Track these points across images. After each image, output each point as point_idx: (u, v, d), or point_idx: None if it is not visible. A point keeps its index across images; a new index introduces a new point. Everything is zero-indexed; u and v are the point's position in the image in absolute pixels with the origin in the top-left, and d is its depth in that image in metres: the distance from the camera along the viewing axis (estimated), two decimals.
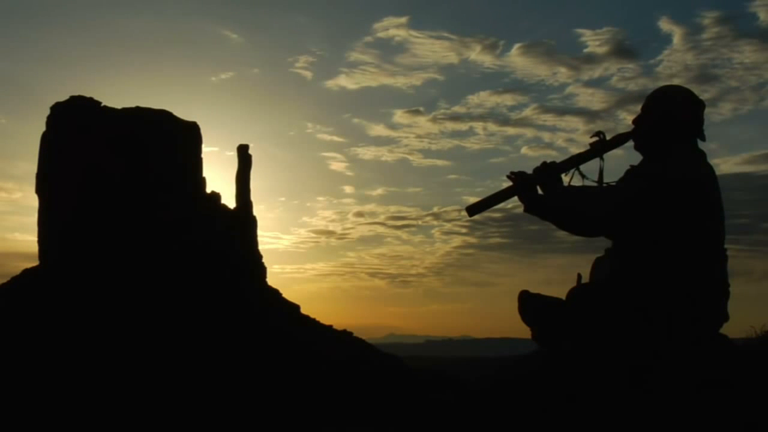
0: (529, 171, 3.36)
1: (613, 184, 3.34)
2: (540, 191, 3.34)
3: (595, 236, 3.28)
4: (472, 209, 3.39)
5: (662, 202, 3.09)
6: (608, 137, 3.40)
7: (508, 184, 3.37)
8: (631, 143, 3.39)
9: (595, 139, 3.40)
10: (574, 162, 3.39)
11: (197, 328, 51.35)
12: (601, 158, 3.38)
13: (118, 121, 60.18)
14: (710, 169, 3.23)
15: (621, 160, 3.59)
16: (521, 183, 3.32)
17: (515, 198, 3.37)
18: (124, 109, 61.89)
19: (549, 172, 3.34)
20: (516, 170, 3.36)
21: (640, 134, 3.35)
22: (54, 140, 59.56)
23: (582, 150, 3.42)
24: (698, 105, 3.31)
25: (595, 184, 3.37)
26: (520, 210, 3.37)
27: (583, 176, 3.38)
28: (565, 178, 3.37)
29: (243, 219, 65.83)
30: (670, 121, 3.27)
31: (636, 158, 3.39)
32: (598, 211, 3.18)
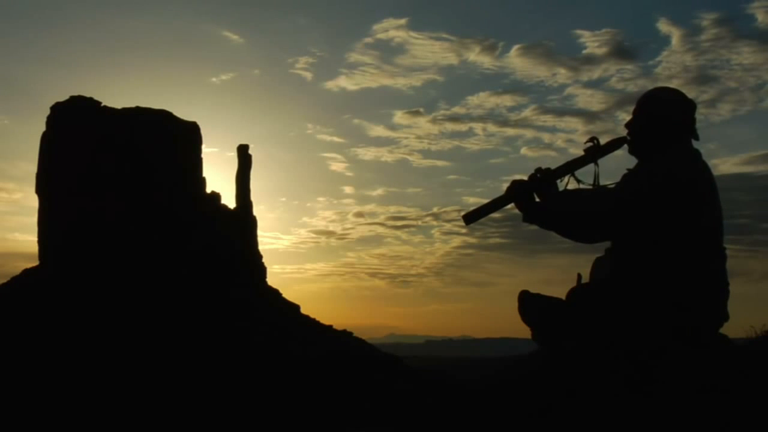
0: (529, 171, 3.37)
1: (611, 186, 3.34)
2: (537, 198, 3.35)
3: (596, 240, 3.28)
4: (469, 217, 3.40)
5: (658, 202, 3.10)
6: (602, 142, 3.41)
7: (507, 186, 3.38)
8: (625, 147, 3.40)
9: (589, 144, 3.41)
10: (569, 168, 3.39)
11: (197, 328, 51.34)
12: (596, 163, 3.39)
13: (118, 121, 60.16)
14: (705, 167, 3.23)
15: (618, 163, 3.60)
16: (517, 190, 3.33)
17: None
18: (124, 109, 61.88)
19: (544, 178, 3.35)
20: (515, 171, 3.37)
21: (634, 138, 3.36)
22: (54, 140, 59.55)
23: (580, 153, 3.43)
24: (689, 105, 3.31)
25: (590, 189, 3.37)
26: (518, 210, 3.38)
27: (578, 181, 3.38)
28: (561, 185, 3.38)
29: (243, 219, 65.82)
30: (662, 122, 3.28)
31: (632, 162, 3.40)
32: (599, 211, 3.19)
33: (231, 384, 43.92)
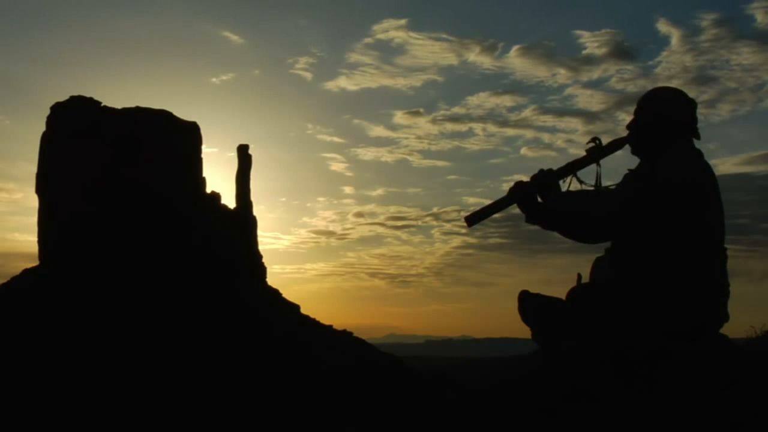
0: (529, 171, 3.37)
1: (612, 187, 3.34)
2: (539, 199, 3.34)
3: (598, 240, 3.27)
4: (471, 219, 3.39)
5: (661, 202, 3.09)
6: (604, 142, 3.40)
7: (508, 186, 3.38)
8: (627, 148, 3.40)
9: (591, 144, 3.40)
10: (572, 168, 3.39)
11: (197, 329, 51.33)
12: (598, 164, 3.38)
13: (118, 121, 60.14)
14: (708, 167, 3.23)
15: (620, 163, 3.60)
16: (520, 191, 3.33)
17: None
18: (124, 109, 61.83)
19: (546, 179, 3.35)
20: (515, 171, 3.38)
21: (636, 138, 3.36)
22: (54, 140, 59.49)
23: (580, 153, 3.43)
24: (689, 104, 3.30)
25: (593, 189, 3.37)
26: (520, 210, 3.37)
27: (581, 182, 3.38)
28: (563, 185, 3.37)
29: (243, 219, 65.77)
30: (663, 122, 3.27)
31: (634, 162, 3.41)
32: (601, 212, 3.18)
33: (230, 384, 43.92)
